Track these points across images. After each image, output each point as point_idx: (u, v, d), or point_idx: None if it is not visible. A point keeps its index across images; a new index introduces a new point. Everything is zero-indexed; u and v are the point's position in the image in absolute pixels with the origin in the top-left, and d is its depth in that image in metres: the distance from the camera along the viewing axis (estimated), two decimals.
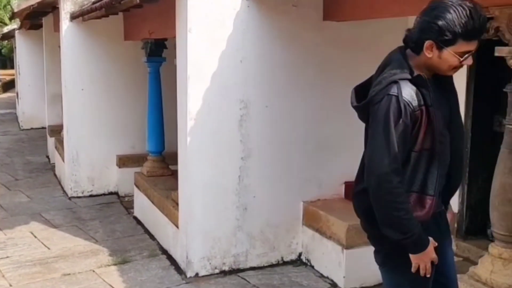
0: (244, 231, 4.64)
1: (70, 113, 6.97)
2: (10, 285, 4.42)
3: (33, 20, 10.08)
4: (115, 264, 4.79)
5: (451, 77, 2.40)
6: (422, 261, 2.30)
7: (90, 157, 7.03)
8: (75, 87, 6.89)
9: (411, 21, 4.95)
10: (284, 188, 4.75)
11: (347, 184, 4.96)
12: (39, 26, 10.39)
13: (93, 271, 4.65)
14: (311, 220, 4.72)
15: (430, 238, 2.31)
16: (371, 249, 4.55)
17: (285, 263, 4.81)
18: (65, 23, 6.80)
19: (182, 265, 4.62)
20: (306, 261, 4.80)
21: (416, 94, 2.21)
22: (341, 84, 4.86)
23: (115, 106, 7.05)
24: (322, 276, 4.55)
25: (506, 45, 2.87)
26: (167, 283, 4.43)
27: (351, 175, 5.09)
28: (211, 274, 4.55)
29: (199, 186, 4.45)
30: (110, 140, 7.07)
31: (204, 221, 4.50)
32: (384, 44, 4.97)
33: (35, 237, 5.51)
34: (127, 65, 6.97)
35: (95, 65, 6.94)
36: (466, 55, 2.21)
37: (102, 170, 7.11)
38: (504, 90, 3.01)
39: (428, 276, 2.33)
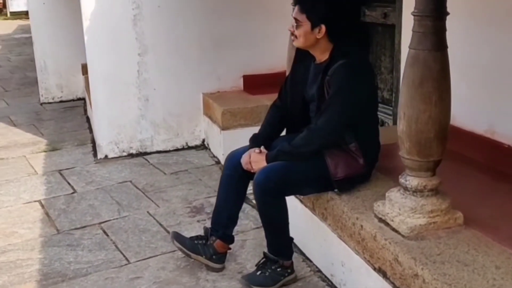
0: (148, 120, 5.30)
1: (36, 26, 7.62)
2: None
3: None
4: (45, 151, 5.56)
5: None
6: None
7: (57, 66, 7.73)
8: (39, 3, 7.50)
9: None
10: (183, 81, 5.33)
11: (245, 77, 5.51)
12: None
13: (24, 156, 5.43)
14: (207, 109, 5.32)
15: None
16: (242, 130, 5.21)
17: (189, 147, 5.48)
18: None
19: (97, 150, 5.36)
20: (207, 145, 5.44)
21: None
22: None
23: (76, 19, 7.62)
24: (213, 156, 5.21)
25: None
26: (79, 164, 5.17)
27: (249, 69, 5.67)
28: (119, 157, 5.27)
29: (100, 79, 5.08)
30: (74, 50, 7.69)
31: (108, 110, 5.17)
32: None
33: None
34: None
35: None
36: None
37: (69, 78, 7.79)
38: None
39: None
